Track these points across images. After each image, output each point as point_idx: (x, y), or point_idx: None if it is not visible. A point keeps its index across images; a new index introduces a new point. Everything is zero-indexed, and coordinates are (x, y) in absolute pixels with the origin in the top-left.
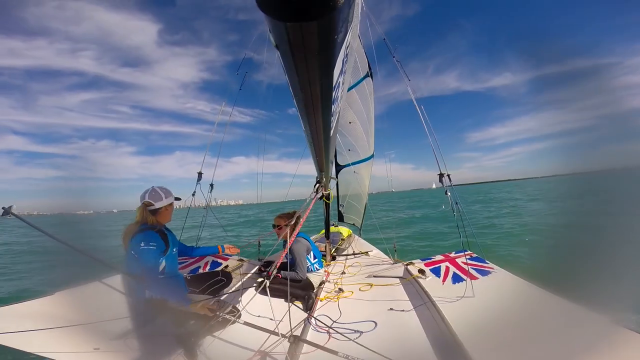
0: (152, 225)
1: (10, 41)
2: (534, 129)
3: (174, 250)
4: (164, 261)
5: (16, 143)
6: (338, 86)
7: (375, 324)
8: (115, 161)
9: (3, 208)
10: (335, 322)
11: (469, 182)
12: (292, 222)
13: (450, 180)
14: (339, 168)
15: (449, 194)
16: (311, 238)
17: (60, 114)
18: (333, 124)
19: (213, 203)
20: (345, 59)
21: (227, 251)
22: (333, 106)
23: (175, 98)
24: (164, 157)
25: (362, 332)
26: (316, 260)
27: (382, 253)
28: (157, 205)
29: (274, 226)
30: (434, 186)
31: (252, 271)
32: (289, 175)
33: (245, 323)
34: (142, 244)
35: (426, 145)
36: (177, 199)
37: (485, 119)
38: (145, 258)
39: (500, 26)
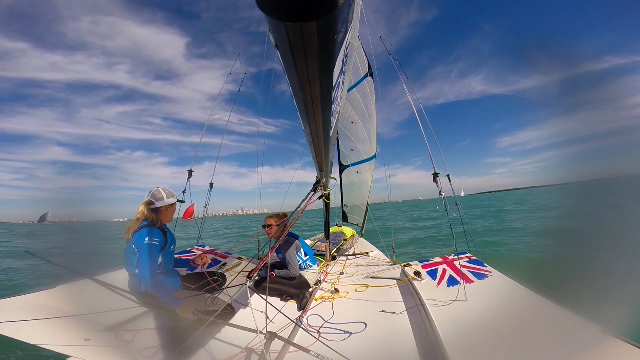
0: (153, 222)
1: (52, 56)
2: (569, 131)
3: (172, 247)
4: (161, 257)
5: (60, 154)
6: (338, 86)
7: (366, 325)
8: (150, 172)
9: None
10: (326, 322)
11: (501, 189)
12: (283, 223)
13: (450, 180)
14: (342, 168)
15: (444, 194)
16: (313, 238)
17: (99, 125)
18: (333, 124)
19: (239, 212)
20: (345, 59)
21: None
22: (333, 106)
23: (204, 110)
24: (195, 167)
25: (351, 333)
26: (308, 257)
27: (382, 254)
28: (158, 204)
29: (264, 226)
30: (462, 194)
31: (248, 270)
32: (310, 184)
33: (227, 322)
34: (147, 239)
35: (457, 150)
36: (180, 201)
37: (516, 123)
38: (147, 252)
39: (524, 27)
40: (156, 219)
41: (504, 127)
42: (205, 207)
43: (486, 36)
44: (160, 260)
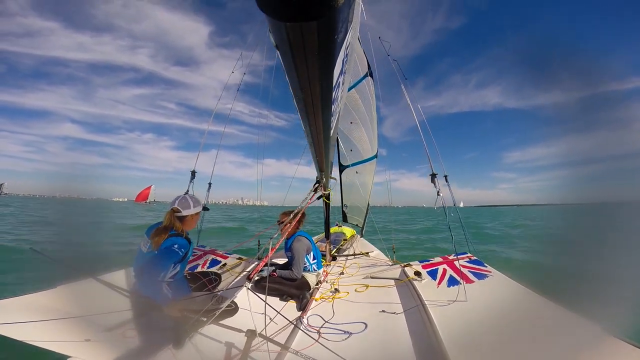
0: (180, 231)
1: (80, 36)
2: (582, 151)
3: (189, 255)
4: (179, 266)
5: (71, 130)
6: (338, 86)
7: (366, 325)
8: (157, 154)
9: None
10: (326, 322)
11: (503, 204)
12: (287, 220)
13: (447, 181)
14: (342, 168)
15: (442, 194)
16: (313, 238)
17: (114, 106)
18: (333, 124)
19: (239, 202)
20: (345, 59)
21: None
22: (333, 106)
23: (218, 98)
24: (201, 153)
25: (351, 334)
26: (315, 261)
27: (382, 254)
28: (184, 212)
29: (278, 222)
30: (461, 205)
31: (249, 270)
32: (298, 179)
33: (220, 323)
34: (176, 246)
35: (464, 162)
36: (206, 208)
37: (526, 138)
38: (169, 258)
39: (552, 41)
40: (180, 228)
41: (513, 141)
42: (204, 207)
43: (511, 47)
44: (178, 268)
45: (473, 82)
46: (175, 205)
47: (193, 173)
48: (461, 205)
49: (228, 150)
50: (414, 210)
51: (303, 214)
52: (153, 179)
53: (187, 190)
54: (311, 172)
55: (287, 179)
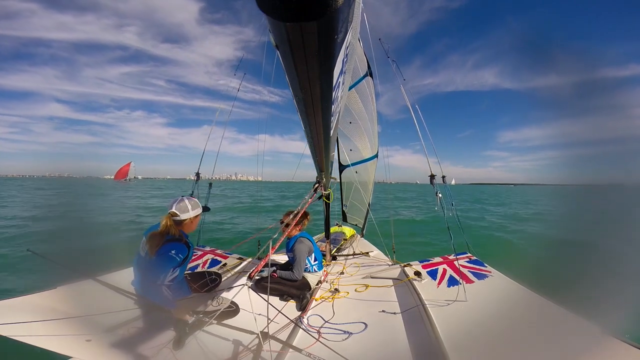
0: (179, 237)
1: (61, 16)
2: (575, 134)
3: (189, 259)
4: (178, 270)
5: (57, 110)
6: (338, 86)
7: (366, 325)
8: (148, 131)
9: None
10: (327, 322)
11: (495, 182)
12: (289, 221)
13: (444, 181)
14: (342, 168)
15: (440, 195)
16: (314, 238)
17: (101, 85)
18: (333, 124)
19: (233, 177)
20: (345, 59)
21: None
22: (333, 106)
23: (209, 75)
24: (192, 130)
25: (351, 333)
26: (316, 262)
27: (382, 254)
28: (183, 216)
29: (281, 222)
30: (453, 182)
31: (248, 270)
32: (308, 156)
33: (224, 323)
34: (173, 252)
35: (458, 140)
36: (206, 209)
37: (521, 119)
38: (167, 264)
39: (551, 25)
40: (177, 232)
41: (508, 121)
42: (205, 207)
43: (510, 30)
44: (177, 272)
45: (471, 62)
46: (173, 209)
47: (197, 175)
48: (453, 182)
49: (221, 127)
50: (408, 187)
51: (307, 215)
52: (145, 156)
53: (192, 192)
54: (307, 149)
55: (280, 155)
